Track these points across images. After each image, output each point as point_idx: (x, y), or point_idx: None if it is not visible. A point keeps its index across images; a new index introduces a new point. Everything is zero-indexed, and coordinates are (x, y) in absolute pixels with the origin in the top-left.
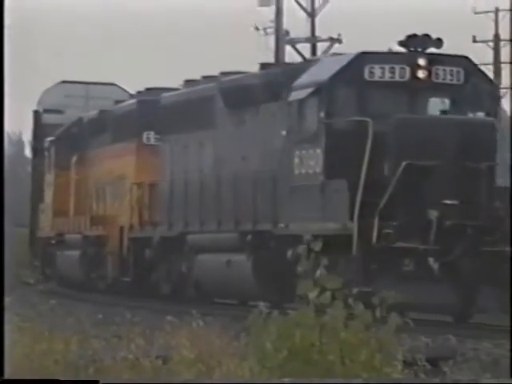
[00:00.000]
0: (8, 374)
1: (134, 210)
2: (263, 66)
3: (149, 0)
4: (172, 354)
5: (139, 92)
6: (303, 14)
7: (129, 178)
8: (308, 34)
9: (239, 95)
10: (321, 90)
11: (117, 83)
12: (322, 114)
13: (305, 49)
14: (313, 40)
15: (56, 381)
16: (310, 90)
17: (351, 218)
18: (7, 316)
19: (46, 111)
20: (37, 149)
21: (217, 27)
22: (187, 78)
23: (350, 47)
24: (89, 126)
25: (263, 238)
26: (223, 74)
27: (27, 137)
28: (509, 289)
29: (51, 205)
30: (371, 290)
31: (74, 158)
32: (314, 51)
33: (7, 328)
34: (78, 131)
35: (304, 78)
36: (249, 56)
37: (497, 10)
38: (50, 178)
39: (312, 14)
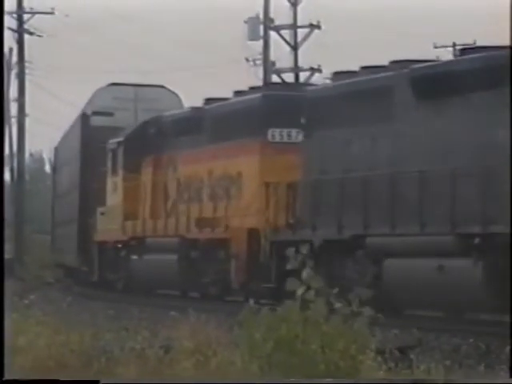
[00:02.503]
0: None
1: (276, 211)
2: (463, 51)
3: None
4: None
5: (252, 88)
6: (287, 47)
7: (249, 178)
8: (292, 64)
9: (438, 84)
10: None
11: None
12: None
13: (289, 77)
14: (296, 70)
15: (56, 381)
16: None
17: None
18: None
19: (95, 113)
20: (86, 152)
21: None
22: (336, 70)
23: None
24: (174, 125)
25: (499, 242)
26: (395, 62)
27: (47, 154)
28: None
29: (121, 208)
30: None
31: (151, 159)
32: (297, 79)
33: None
34: (155, 131)
35: None
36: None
37: (454, 45)
38: (116, 180)
39: (295, 48)
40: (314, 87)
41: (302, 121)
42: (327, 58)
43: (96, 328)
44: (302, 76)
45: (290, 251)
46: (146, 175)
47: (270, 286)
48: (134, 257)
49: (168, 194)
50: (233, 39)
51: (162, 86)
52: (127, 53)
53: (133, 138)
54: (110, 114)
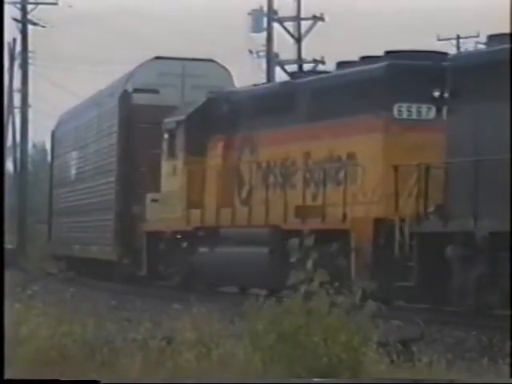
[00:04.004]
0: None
1: (410, 198)
2: None
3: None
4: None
5: (364, 57)
6: (291, 39)
7: (368, 160)
8: (295, 56)
9: None
10: None
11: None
12: None
13: (292, 69)
14: (299, 61)
15: (56, 381)
16: None
17: None
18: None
19: (138, 91)
20: (126, 133)
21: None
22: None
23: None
24: (254, 102)
25: None
26: None
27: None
28: None
29: (183, 194)
30: None
31: (220, 140)
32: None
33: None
34: (228, 108)
35: None
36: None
37: (458, 37)
38: (174, 163)
39: (298, 39)
40: (460, 54)
41: (436, 94)
42: (330, 49)
43: (99, 318)
44: (306, 68)
45: (293, 242)
46: (214, 158)
47: (407, 285)
48: (203, 249)
49: (243, 179)
50: (236, 31)
51: (212, 60)
52: (130, 44)
53: (197, 116)
54: (154, 92)
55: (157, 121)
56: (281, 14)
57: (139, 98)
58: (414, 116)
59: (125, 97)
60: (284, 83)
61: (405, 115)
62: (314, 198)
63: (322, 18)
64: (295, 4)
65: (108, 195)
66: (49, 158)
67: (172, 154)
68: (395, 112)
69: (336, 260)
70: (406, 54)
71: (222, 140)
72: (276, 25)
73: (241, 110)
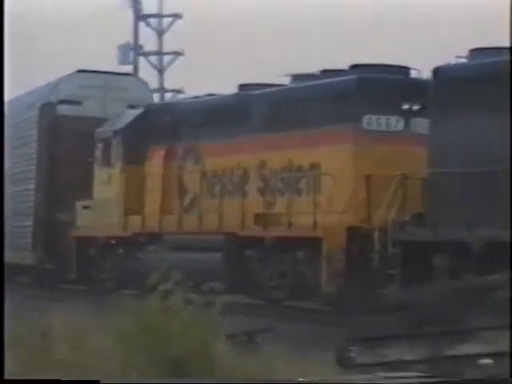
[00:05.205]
0: None
1: (386, 207)
2: None
3: None
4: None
5: (326, 71)
6: (155, 71)
7: (336, 170)
8: (158, 86)
9: None
10: None
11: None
12: None
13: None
14: (162, 91)
15: (56, 381)
16: None
17: None
18: None
19: (62, 102)
20: (48, 142)
21: None
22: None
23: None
24: (201, 113)
25: None
26: None
27: None
28: None
29: (120, 202)
30: None
31: (160, 150)
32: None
33: None
34: (170, 119)
35: None
36: None
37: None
38: (110, 172)
39: (161, 71)
40: (445, 67)
41: (405, 106)
42: (190, 80)
43: None
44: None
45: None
46: (154, 167)
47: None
48: (142, 255)
49: (185, 187)
50: (107, 62)
51: (131, 75)
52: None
53: (134, 126)
54: (77, 103)
55: (81, 131)
56: (146, 48)
57: (63, 109)
58: (383, 128)
59: (48, 107)
60: (236, 95)
61: (374, 127)
62: (270, 206)
63: (181, 53)
64: (158, 39)
65: (26, 202)
66: None
67: (107, 162)
68: (364, 123)
69: (300, 268)
70: (371, 67)
71: (162, 149)
72: (142, 58)
73: (184, 120)
